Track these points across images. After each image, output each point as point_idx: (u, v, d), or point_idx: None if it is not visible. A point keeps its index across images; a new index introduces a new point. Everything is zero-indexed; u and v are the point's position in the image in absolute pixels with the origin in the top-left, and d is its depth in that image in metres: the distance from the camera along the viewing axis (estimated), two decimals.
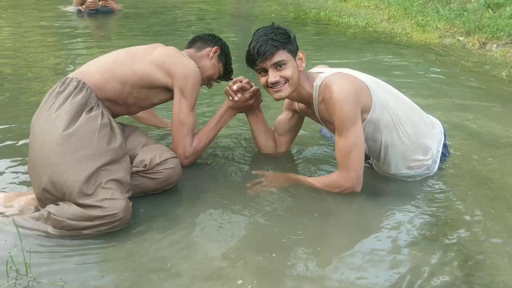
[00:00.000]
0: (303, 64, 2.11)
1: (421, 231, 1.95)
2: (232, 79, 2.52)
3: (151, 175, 2.08)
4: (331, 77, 2.07)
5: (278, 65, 2.06)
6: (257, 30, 2.11)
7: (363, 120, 2.07)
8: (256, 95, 2.37)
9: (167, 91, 2.22)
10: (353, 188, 2.09)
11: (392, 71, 4.14)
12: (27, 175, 2.09)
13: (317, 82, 2.11)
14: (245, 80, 2.33)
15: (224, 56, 2.47)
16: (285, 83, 2.09)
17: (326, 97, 2.04)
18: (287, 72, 2.07)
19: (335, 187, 2.11)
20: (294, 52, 2.08)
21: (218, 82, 2.58)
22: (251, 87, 2.34)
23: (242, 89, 2.33)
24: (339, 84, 2.01)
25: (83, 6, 6.24)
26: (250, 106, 2.40)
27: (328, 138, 2.74)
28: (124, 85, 2.13)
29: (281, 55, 2.05)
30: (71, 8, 6.43)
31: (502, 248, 1.84)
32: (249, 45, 2.10)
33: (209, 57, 2.41)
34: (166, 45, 2.33)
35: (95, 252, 1.76)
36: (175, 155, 2.15)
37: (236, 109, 2.40)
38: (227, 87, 2.34)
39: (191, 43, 2.48)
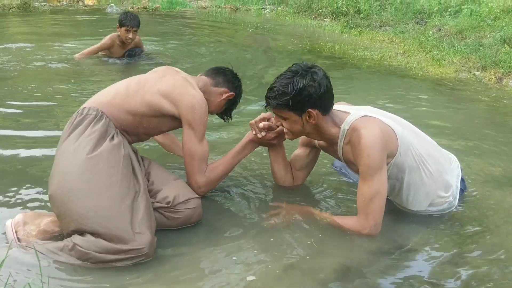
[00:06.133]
0: (313, 121, 2.07)
1: (441, 270, 1.92)
2: (226, 121, 2.56)
3: (172, 214, 2.07)
4: (360, 121, 2.06)
5: (280, 116, 2.11)
6: (281, 74, 2.09)
7: (387, 163, 2.05)
8: (280, 134, 2.33)
9: (176, 120, 2.22)
10: (370, 235, 2.05)
11: (407, 105, 4.13)
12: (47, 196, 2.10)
13: (345, 126, 2.09)
14: (273, 119, 2.29)
15: (232, 102, 2.47)
16: (287, 131, 2.15)
17: (353, 141, 2.03)
18: (286, 124, 2.13)
19: (351, 231, 2.08)
20: (299, 111, 2.05)
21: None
22: (278, 126, 2.29)
23: (268, 128, 2.30)
24: (368, 129, 1.99)
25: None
26: (272, 143, 2.39)
27: (342, 173, 2.72)
28: (135, 116, 2.15)
29: (281, 112, 2.09)
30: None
31: None
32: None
33: (221, 96, 2.40)
34: (177, 71, 2.34)
35: (114, 282, 1.75)
36: (197, 195, 2.14)
37: (258, 144, 2.38)
38: (253, 121, 2.32)
39: (213, 74, 2.44)
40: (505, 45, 5.56)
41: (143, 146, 2.81)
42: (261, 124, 2.29)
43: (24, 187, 2.40)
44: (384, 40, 6.79)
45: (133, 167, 2.05)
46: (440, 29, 6.71)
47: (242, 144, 2.36)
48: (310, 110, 2.04)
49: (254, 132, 2.32)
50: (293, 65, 2.10)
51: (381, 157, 1.99)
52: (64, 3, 10.29)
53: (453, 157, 2.43)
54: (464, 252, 2.04)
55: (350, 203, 2.39)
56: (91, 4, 10.24)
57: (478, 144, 3.26)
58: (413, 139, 2.15)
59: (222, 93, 2.40)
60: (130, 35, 4.83)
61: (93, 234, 1.82)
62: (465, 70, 5.28)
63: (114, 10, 9.37)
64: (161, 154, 2.81)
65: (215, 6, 9.93)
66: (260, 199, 2.44)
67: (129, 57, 5.11)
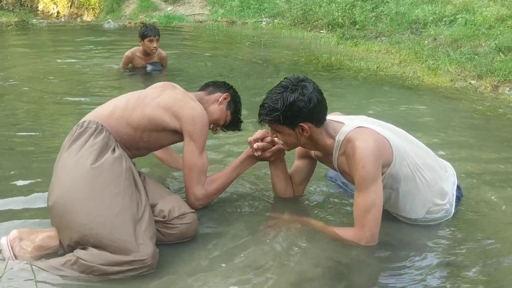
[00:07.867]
0: (307, 134, 2.08)
1: (438, 276, 1.92)
2: (241, 129, 2.57)
3: (167, 230, 2.06)
4: (354, 132, 2.06)
5: (274, 129, 2.12)
6: (272, 89, 2.09)
7: (382, 173, 2.05)
8: (278, 151, 2.33)
9: (176, 134, 2.23)
10: (367, 245, 2.04)
11: (403, 115, 4.14)
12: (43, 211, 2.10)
13: (340, 137, 2.09)
14: (268, 139, 2.29)
15: (234, 104, 2.48)
16: (282, 144, 2.17)
17: (348, 152, 2.03)
18: (280, 137, 2.14)
19: (348, 242, 2.07)
20: (291, 125, 2.05)
21: (224, 131, 2.58)
22: (273, 145, 2.30)
23: (263, 148, 2.30)
24: (362, 140, 2.00)
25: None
26: (270, 160, 2.39)
27: (336, 183, 2.72)
28: (136, 130, 2.16)
29: (275, 126, 2.09)
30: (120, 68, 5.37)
31: None
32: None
33: (218, 102, 2.42)
34: (175, 86, 2.36)
35: None
36: (193, 210, 2.14)
37: (256, 159, 2.38)
38: (250, 139, 2.32)
39: (204, 87, 2.52)
40: (500, 54, 5.60)
41: (139, 159, 2.81)
42: (255, 145, 2.29)
43: (19, 202, 2.40)
44: (380, 50, 6.83)
45: (134, 179, 2.06)
46: (435, 39, 6.76)
47: (241, 159, 2.37)
48: (302, 124, 2.05)
49: (251, 149, 2.33)
50: (284, 79, 2.10)
51: (376, 168, 1.99)
52: (62, 20, 10.37)
53: (448, 164, 2.44)
54: (460, 258, 2.03)
55: (345, 212, 2.40)
56: (89, 20, 10.32)
57: (473, 152, 3.27)
58: (408, 148, 2.15)
59: (218, 98, 2.43)
60: (154, 44, 5.03)
61: (96, 245, 1.81)
62: (461, 79, 5.31)
63: (112, 26, 9.45)
64: (157, 168, 2.81)
65: (212, 20, 10.01)
66: (258, 209, 2.43)
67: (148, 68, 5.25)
